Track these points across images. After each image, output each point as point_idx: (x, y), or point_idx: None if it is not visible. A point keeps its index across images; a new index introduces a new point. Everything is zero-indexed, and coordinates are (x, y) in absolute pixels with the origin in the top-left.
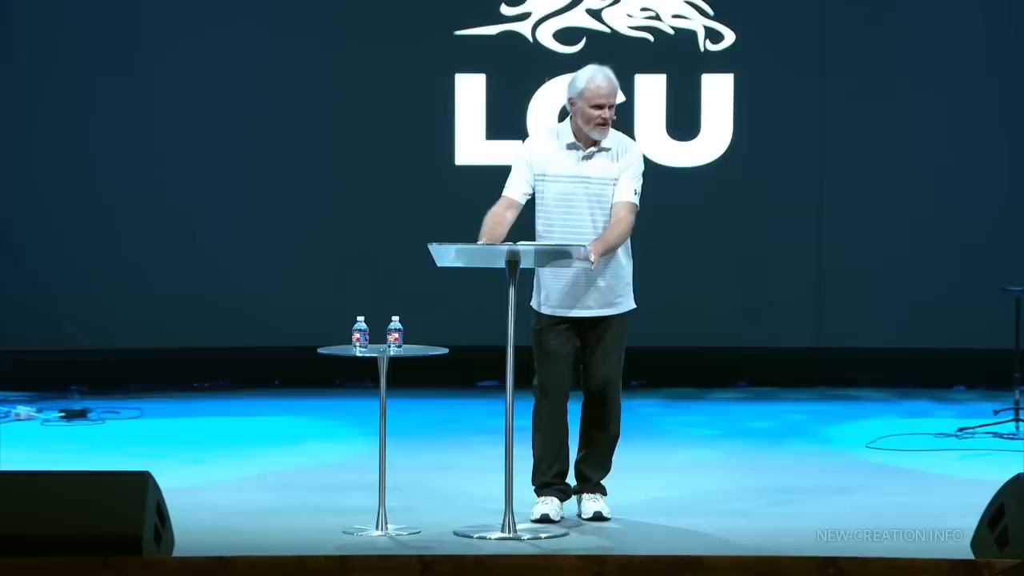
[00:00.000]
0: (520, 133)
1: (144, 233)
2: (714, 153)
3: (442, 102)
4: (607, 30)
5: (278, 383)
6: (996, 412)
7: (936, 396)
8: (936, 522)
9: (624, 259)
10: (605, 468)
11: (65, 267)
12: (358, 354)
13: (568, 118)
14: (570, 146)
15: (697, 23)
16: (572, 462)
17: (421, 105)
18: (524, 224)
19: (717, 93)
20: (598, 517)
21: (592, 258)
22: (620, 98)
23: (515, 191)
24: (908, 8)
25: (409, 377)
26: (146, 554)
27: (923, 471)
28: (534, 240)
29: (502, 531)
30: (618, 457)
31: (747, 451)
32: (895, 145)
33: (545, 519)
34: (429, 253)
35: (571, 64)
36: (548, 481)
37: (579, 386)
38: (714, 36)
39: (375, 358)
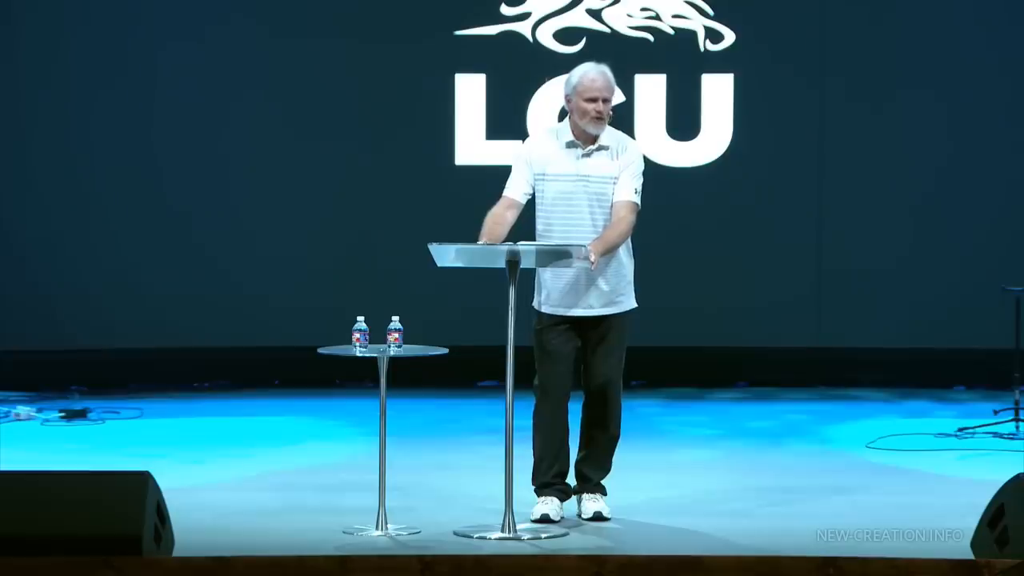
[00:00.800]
0: (520, 133)
1: (144, 233)
2: (714, 153)
3: (442, 102)
4: (607, 30)
5: (278, 383)
6: (996, 412)
7: (936, 396)
8: (936, 522)
9: (625, 258)
10: (605, 468)
11: (65, 267)
12: (358, 354)
13: (567, 117)
14: (569, 145)
15: (697, 23)
16: (572, 462)
17: (421, 105)
18: (524, 224)
19: (717, 93)
20: (598, 517)
21: (592, 258)
22: (619, 97)
23: (515, 191)
24: (908, 8)
25: (409, 377)
26: (146, 554)
27: (923, 471)
28: (534, 239)
29: (502, 531)
30: (618, 457)
31: (747, 451)
32: (895, 145)
33: (545, 519)
34: (429, 253)
35: (571, 64)
36: (548, 481)
37: (580, 386)
38: (714, 36)
39: (375, 358)
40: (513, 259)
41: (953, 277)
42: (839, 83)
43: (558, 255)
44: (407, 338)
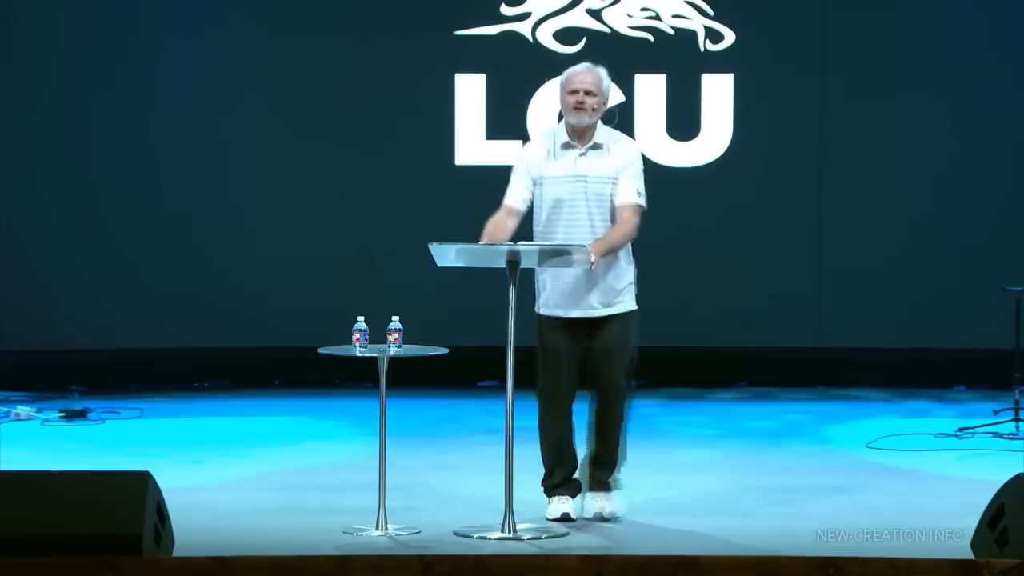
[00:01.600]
0: (520, 133)
1: (144, 233)
2: (714, 153)
3: (442, 102)
4: (607, 30)
5: (278, 383)
6: (996, 412)
7: (936, 396)
8: (936, 522)
9: (625, 263)
10: (610, 467)
11: (65, 267)
12: (358, 354)
13: (563, 119)
14: (565, 146)
15: (697, 23)
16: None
17: (421, 105)
18: (524, 224)
19: (717, 93)
20: (601, 517)
21: (592, 258)
22: (618, 97)
23: (515, 199)
24: (908, 8)
25: (409, 377)
26: (146, 554)
27: (923, 471)
28: (533, 240)
29: (502, 531)
30: None
31: (747, 451)
32: (895, 145)
33: (565, 518)
34: (429, 253)
35: (571, 64)
36: (558, 483)
37: (584, 386)
38: (714, 36)
39: (375, 358)
40: (513, 259)
41: (953, 277)
42: (839, 83)
43: (558, 255)
44: (407, 338)
